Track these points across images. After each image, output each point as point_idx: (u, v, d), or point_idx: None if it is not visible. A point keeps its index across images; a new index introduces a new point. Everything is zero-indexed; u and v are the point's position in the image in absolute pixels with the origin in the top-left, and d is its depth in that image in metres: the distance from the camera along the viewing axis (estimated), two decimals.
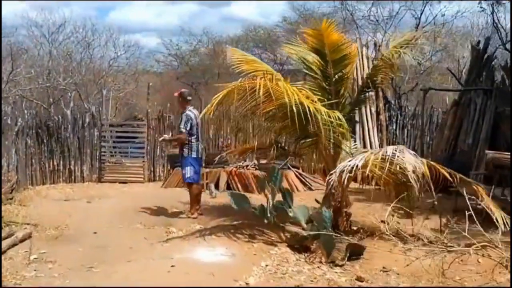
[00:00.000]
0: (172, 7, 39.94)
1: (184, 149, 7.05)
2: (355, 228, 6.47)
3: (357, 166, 5.24)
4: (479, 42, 11.38)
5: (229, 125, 6.87)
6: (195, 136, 7.05)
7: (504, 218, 5.20)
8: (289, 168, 10.59)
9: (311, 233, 5.34)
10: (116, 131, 14.03)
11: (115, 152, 13.65)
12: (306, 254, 5.60)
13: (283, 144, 6.65)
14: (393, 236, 6.32)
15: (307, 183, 10.88)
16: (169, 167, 12.30)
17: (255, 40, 23.66)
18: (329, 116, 5.62)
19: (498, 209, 5.25)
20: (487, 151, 7.08)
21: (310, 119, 5.86)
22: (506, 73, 10.66)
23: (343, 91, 6.39)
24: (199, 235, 6.11)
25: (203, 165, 9.55)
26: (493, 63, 10.84)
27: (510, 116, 9.76)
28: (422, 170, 5.24)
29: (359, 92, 6.47)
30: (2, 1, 11.56)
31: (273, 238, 6.05)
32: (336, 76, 6.33)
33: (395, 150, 4.85)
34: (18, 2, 30.12)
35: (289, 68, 25.62)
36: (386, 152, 4.92)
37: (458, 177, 5.46)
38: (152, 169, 13.06)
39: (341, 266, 5.13)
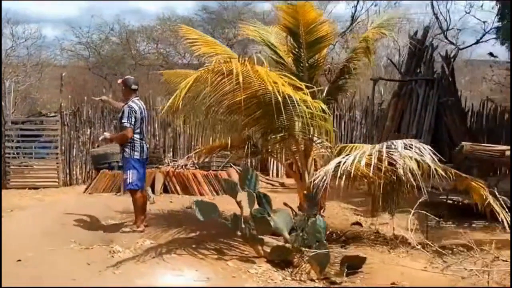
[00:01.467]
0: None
1: (126, 149, 5.81)
2: (334, 235, 5.72)
3: (352, 163, 4.45)
4: (416, 31, 11.20)
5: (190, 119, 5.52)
6: (139, 133, 5.84)
7: (505, 216, 4.71)
8: (231, 167, 9.64)
9: (310, 251, 4.43)
10: (21, 129, 12.16)
11: (18, 154, 11.81)
12: (289, 270, 4.73)
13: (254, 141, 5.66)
14: (376, 240, 5.68)
15: None
16: (92, 169, 10.77)
17: (172, 30, 22.23)
18: (309, 107, 4.75)
19: (498, 206, 4.74)
20: (464, 143, 6.63)
21: (288, 111, 4.99)
22: (446, 63, 10.57)
23: (316, 78, 5.58)
24: (155, 254, 4.98)
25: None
26: (433, 53, 10.70)
27: None
28: (411, 166, 4.59)
29: (335, 79, 5.68)
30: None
31: (246, 253, 5.10)
32: (310, 61, 5.50)
33: (410, 146, 4.10)
34: None
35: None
36: (397, 147, 4.16)
37: (453, 173, 4.89)
38: (68, 171, 11.43)
39: (339, 283, 4.32)
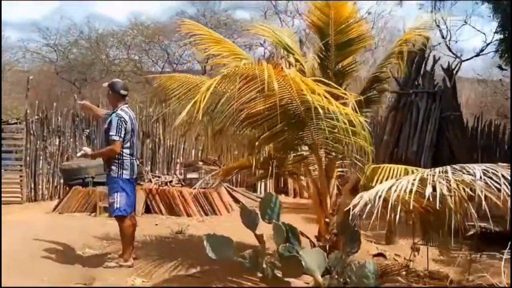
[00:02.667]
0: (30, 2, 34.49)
1: (112, 167, 4.81)
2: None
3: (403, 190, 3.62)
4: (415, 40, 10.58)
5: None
6: (129, 147, 4.85)
7: None
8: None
9: None
10: None
11: None
12: None
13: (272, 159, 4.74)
14: (409, 276, 4.88)
15: (239, 200, 9.09)
16: (62, 184, 9.61)
17: (145, 34, 21.17)
18: (347, 122, 3.92)
19: None
20: None
21: (316, 124, 4.16)
22: (448, 75, 9.99)
23: (345, 86, 4.76)
24: None
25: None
26: (435, 64, 10.11)
27: None
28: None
29: (363, 90, 4.85)
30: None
31: None
32: (338, 67, 4.67)
33: (491, 172, 3.30)
34: None
35: (183, 69, 23.49)
36: (474, 174, 3.35)
37: None
38: (33, 186, 10.20)
39: None
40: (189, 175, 8.15)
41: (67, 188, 8.35)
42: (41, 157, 10.27)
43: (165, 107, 10.85)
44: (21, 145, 10.22)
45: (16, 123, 17.07)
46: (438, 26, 10.95)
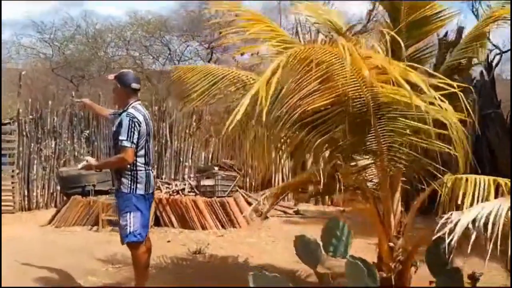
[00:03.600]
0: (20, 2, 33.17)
1: (124, 181, 3.80)
2: None
3: None
4: (446, 33, 9.63)
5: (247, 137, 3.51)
6: (144, 155, 3.86)
7: None
8: (237, 190, 7.71)
9: None
10: None
11: None
12: None
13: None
14: None
15: (259, 209, 8.10)
16: (59, 193, 8.63)
17: (146, 29, 20.10)
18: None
19: None
20: None
21: (388, 125, 3.21)
22: (487, 69, 9.03)
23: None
24: None
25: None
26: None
27: None
28: None
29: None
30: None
31: None
32: (410, 51, 3.71)
33: None
34: None
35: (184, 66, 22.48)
36: None
37: None
38: (26, 193, 9.19)
39: None
40: (203, 182, 7.16)
41: (65, 197, 7.34)
42: (35, 161, 9.27)
43: (178, 104, 9.93)
44: (13, 148, 9.20)
45: (9, 123, 16.08)
46: (475, 13, 9.97)
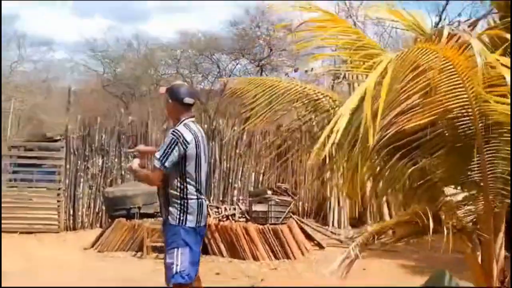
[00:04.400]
0: (80, 22, 34.29)
1: (171, 209, 3.25)
2: None
3: None
4: None
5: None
6: (196, 181, 3.32)
7: None
8: (290, 217, 7.07)
9: None
10: (19, 156, 9.78)
11: (12, 187, 9.43)
12: None
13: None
14: None
15: (314, 237, 7.44)
16: (104, 214, 8.29)
17: (196, 47, 20.02)
18: None
19: None
20: None
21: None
22: None
23: None
24: None
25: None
26: None
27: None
28: None
29: None
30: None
31: None
32: None
33: None
34: None
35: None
36: None
37: None
38: (71, 212, 8.91)
39: None
40: (255, 207, 6.58)
41: (109, 219, 6.94)
42: (81, 179, 9.00)
43: (230, 121, 9.48)
44: (60, 165, 8.98)
45: (60, 139, 16.20)
46: None
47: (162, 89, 3.51)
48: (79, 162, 9.00)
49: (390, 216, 8.45)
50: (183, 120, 3.34)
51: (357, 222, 9.11)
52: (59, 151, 9.15)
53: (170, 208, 3.29)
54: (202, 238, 3.45)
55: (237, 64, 20.75)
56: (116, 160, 9.15)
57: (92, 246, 6.80)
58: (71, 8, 35.49)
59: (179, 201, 3.27)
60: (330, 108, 3.46)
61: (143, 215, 6.60)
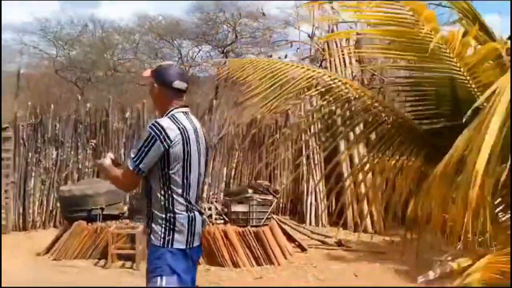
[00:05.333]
0: (28, 3, 32.12)
1: (154, 226, 2.53)
2: None
3: None
4: None
5: None
6: (183, 187, 2.54)
7: None
8: (271, 217, 6.43)
9: None
10: None
11: None
12: None
13: None
14: None
15: (295, 239, 6.84)
16: (60, 216, 7.40)
17: (156, 31, 18.92)
18: None
19: None
20: None
21: None
22: None
23: None
24: None
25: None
26: None
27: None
28: None
29: None
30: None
31: None
32: None
33: None
34: None
35: (202, 74, 21.15)
36: None
37: None
38: (21, 211, 7.93)
39: None
40: (235, 208, 5.90)
41: (65, 222, 6.06)
42: (33, 173, 8.03)
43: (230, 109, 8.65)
44: (8, 158, 7.96)
45: (7, 127, 14.85)
46: None
47: (147, 72, 2.73)
48: (29, 154, 8.02)
49: (371, 216, 8.00)
50: (171, 110, 2.60)
51: (336, 222, 8.61)
52: (7, 141, 8.13)
53: (153, 225, 2.55)
54: (196, 263, 2.72)
55: (199, 51, 19.83)
56: (72, 152, 8.22)
57: (47, 252, 5.92)
58: None
59: (163, 215, 2.54)
60: (352, 98, 2.83)
61: (106, 217, 5.80)
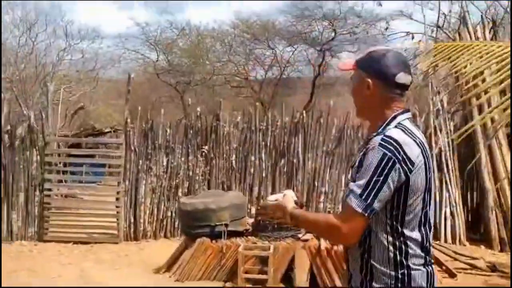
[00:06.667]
0: (122, 13, 33.74)
1: (375, 285, 1.68)
2: None
3: None
4: None
5: None
6: (421, 235, 1.72)
7: None
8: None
9: None
10: (69, 155, 8.59)
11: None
12: None
13: None
14: None
15: (442, 262, 5.81)
16: (179, 231, 6.98)
17: (251, 32, 18.48)
18: None
19: None
20: None
21: None
22: None
23: None
24: None
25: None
26: None
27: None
28: None
29: None
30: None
31: None
32: None
33: None
34: None
35: (295, 75, 20.40)
36: None
37: None
38: (132, 220, 7.62)
39: None
40: None
41: (188, 239, 5.50)
42: (143, 182, 7.69)
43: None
44: (119, 165, 7.69)
45: (110, 131, 15.07)
46: None
47: (347, 63, 1.96)
48: (140, 161, 7.69)
49: None
50: (395, 117, 1.80)
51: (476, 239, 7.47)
52: (118, 149, 7.88)
53: (374, 284, 1.76)
54: None
55: (294, 50, 19.13)
56: (182, 159, 7.79)
57: (167, 270, 5.42)
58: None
59: (392, 272, 1.73)
60: None
61: (230, 234, 5.18)
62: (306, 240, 5.00)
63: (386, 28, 10.84)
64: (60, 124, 14.07)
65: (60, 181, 8.25)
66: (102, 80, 17.85)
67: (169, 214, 7.70)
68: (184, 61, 15.89)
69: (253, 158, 7.78)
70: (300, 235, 5.09)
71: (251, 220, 5.51)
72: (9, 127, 7.50)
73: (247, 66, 19.89)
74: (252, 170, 7.79)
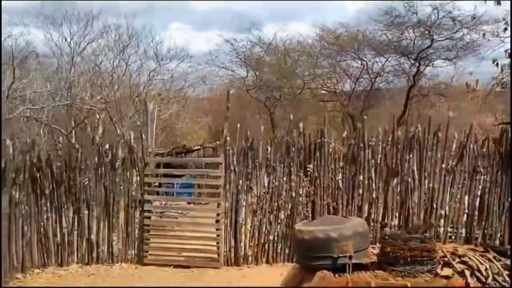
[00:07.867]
0: (199, 35, 34.50)
1: None
2: None
3: None
4: None
5: None
6: None
7: None
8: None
9: None
10: (165, 175, 8.36)
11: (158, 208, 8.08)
12: None
13: None
14: None
15: None
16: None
17: (338, 44, 17.80)
18: None
19: None
20: None
21: None
22: None
23: None
24: None
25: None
26: None
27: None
28: None
29: None
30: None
31: None
32: None
33: None
34: None
35: (384, 86, 19.42)
36: None
37: None
38: (233, 243, 7.20)
39: None
40: None
41: (301, 270, 4.92)
42: (243, 202, 7.26)
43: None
44: (219, 185, 7.32)
45: (199, 149, 14.96)
46: None
47: None
48: (240, 181, 7.28)
49: None
50: None
51: None
52: (217, 168, 7.53)
53: None
54: None
55: (386, 61, 18.18)
56: (284, 178, 7.27)
57: None
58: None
59: None
60: None
61: (354, 267, 4.52)
62: (448, 277, 4.24)
63: (505, 29, 9.71)
64: (151, 143, 14.21)
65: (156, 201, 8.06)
66: (190, 99, 18.02)
67: (271, 238, 7.20)
68: (272, 76, 15.57)
69: (361, 177, 7.09)
70: (438, 271, 4.34)
71: (376, 251, 4.83)
72: (107, 146, 7.42)
73: (334, 78, 19.23)
74: (360, 190, 7.10)
